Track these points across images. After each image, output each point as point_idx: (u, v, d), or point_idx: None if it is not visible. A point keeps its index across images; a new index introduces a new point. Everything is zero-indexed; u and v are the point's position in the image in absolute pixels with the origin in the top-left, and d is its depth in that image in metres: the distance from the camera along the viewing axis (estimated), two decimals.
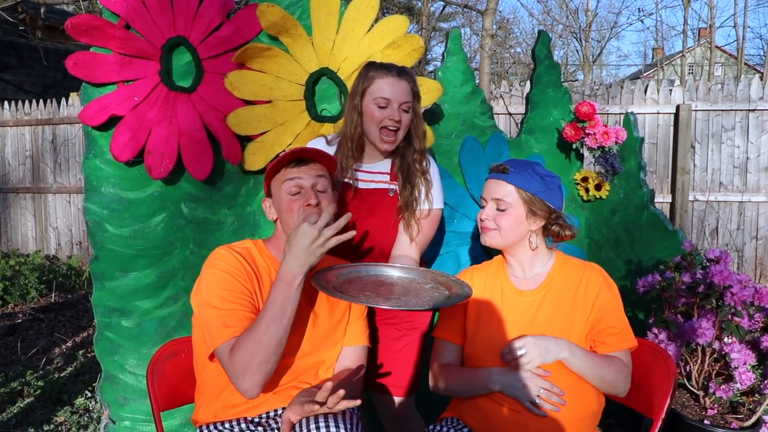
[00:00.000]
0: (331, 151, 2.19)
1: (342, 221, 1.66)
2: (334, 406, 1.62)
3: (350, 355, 1.95)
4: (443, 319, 2.02)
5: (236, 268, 1.77)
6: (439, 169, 2.26)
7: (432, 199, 2.16)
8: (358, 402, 1.64)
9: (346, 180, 2.15)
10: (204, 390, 1.88)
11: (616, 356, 1.83)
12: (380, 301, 1.71)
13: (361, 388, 1.94)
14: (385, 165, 2.18)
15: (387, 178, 2.17)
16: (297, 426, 1.68)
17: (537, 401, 1.75)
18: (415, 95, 2.12)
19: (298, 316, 1.78)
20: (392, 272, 1.95)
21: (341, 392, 1.61)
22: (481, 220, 1.91)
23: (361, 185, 2.17)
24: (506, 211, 1.86)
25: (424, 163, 2.16)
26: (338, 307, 1.94)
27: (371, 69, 2.10)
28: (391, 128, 2.06)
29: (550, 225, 1.90)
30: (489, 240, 1.91)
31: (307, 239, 1.64)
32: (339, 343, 1.93)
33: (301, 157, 1.86)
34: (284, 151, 2.49)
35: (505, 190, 1.86)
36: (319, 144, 2.25)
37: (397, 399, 2.22)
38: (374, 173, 2.18)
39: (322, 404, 1.63)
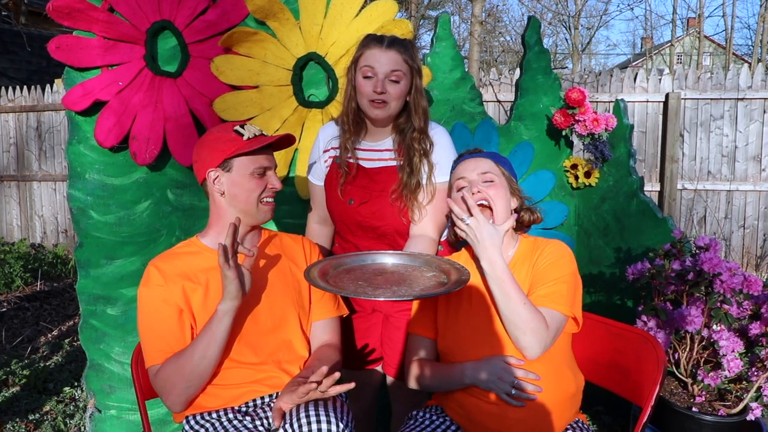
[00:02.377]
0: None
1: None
2: (327, 389, 1.62)
3: (321, 329, 1.95)
4: (416, 314, 1.99)
5: (164, 291, 1.76)
6: (455, 131, 2.19)
7: (435, 177, 2.06)
8: (352, 385, 1.64)
9: (349, 159, 2.09)
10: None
11: (540, 309, 1.74)
12: (369, 292, 1.69)
13: (339, 361, 1.91)
14: (390, 142, 2.11)
15: (394, 155, 2.09)
16: (287, 414, 1.66)
17: (513, 392, 1.73)
18: (412, 68, 2.02)
19: (254, 293, 1.82)
20: (387, 260, 1.91)
21: (336, 375, 1.62)
22: (477, 200, 1.79)
23: (368, 164, 2.10)
24: (494, 183, 1.83)
25: (426, 143, 2.06)
26: (292, 282, 1.92)
27: (364, 40, 2.05)
28: (376, 101, 1.98)
29: (520, 210, 1.89)
30: (498, 219, 1.81)
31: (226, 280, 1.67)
32: (302, 316, 1.91)
33: (276, 145, 1.89)
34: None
35: (486, 164, 1.85)
36: (329, 127, 2.21)
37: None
38: (379, 150, 2.11)
39: (317, 383, 1.62)
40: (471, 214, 1.74)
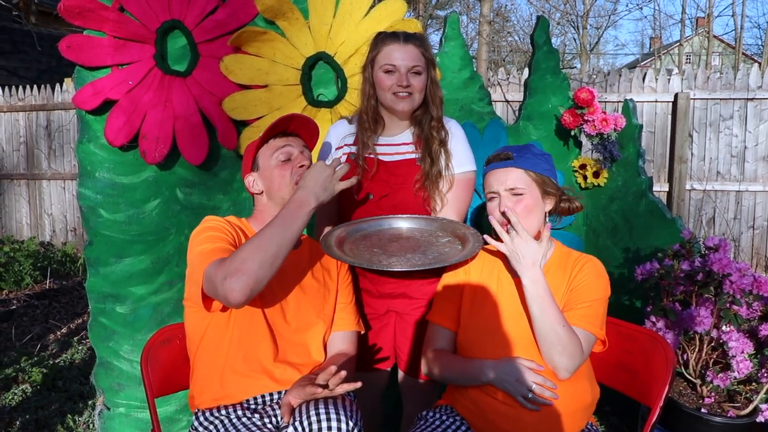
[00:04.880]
0: (353, 130, 2.17)
1: (345, 167, 1.79)
2: (335, 387, 1.63)
3: (340, 340, 1.97)
4: (438, 303, 2.00)
5: (224, 226, 1.82)
6: (464, 130, 2.22)
7: (453, 166, 2.10)
8: (359, 384, 1.65)
9: (369, 155, 2.12)
10: (197, 374, 1.87)
11: (575, 328, 1.75)
12: (383, 260, 1.77)
13: (353, 373, 1.94)
14: (407, 135, 2.14)
15: (412, 148, 2.12)
16: (296, 411, 1.67)
17: (529, 396, 1.73)
18: (428, 61, 2.07)
19: (286, 291, 1.85)
20: (402, 224, 1.97)
21: (343, 373, 1.62)
22: (503, 215, 1.79)
23: (387, 158, 2.12)
24: (523, 196, 1.81)
25: (443, 133, 2.10)
26: (321, 290, 1.94)
27: (378, 38, 2.09)
28: (401, 94, 2.04)
29: (560, 202, 1.89)
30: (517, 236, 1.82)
31: (322, 174, 1.74)
32: (323, 325, 1.92)
33: (286, 128, 1.94)
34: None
35: (515, 176, 1.82)
36: (341, 125, 2.23)
37: (422, 381, 2.22)
38: (398, 144, 2.13)
39: (323, 387, 1.63)
40: (509, 231, 1.75)
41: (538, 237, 1.85)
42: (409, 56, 2.02)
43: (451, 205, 2.10)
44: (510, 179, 1.82)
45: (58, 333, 4.70)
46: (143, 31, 2.41)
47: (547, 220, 1.89)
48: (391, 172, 2.11)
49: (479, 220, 2.74)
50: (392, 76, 2.03)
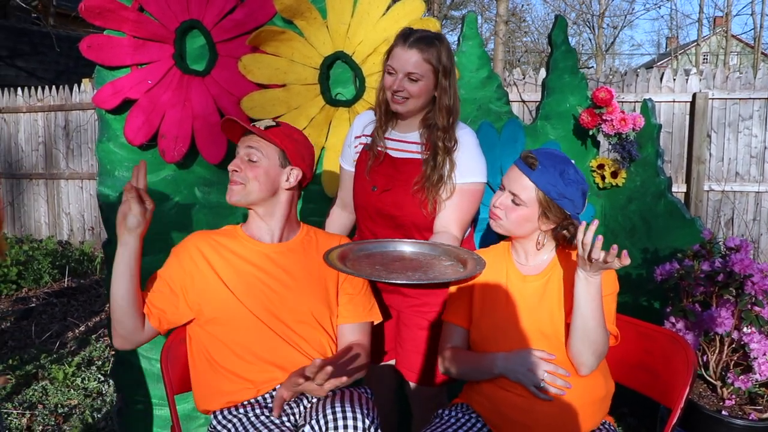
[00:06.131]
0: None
1: None
2: (323, 382, 1.61)
3: (349, 331, 1.95)
4: (451, 303, 2.01)
5: (180, 252, 1.94)
6: (482, 130, 2.19)
7: (457, 176, 2.06)
8: (344, 379, 1.63)
9: (378, 147, 2.13)
10: (198, 376, 1.92)
11: None
12: (384, 275, 1.74)
13: (364, 364, 1.92)
14: (417, 135, 2.13)
15: (420, 148, 2.11)
16: (313, 410, 1.67)
17: (541, 385, 1.74)
18: (435, 67, 2.01)
19: (281, 287, 1.86)
20: (407, 248, 1.96)
21: (328, 369, 1.60)
22: (493, 206, 1.87)
23: (395, 154, 2.13)
24: (519, 206, 1.81)
25: (450, 142, 2.06)
26: (320, 280, 1.93)
27: (396, 35, 2.06)
28: (395, 97, 2.02)
29: (559, 229, 1.83)
30: (495, 227, 1.88)
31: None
32: (328, 314, 1.92)
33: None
34: None
35: (524, 186, 1.80)
36: (366, 115, 2.24)
37: (427, 388, 2.22)
38: (407, 142, 2.13)
39: (308, 378, 1.61)
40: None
41: (521, 239, 1.87)
42: (408, 61, 1.98)
43: (450, 212, 2.07)
44: (518, 185, 1.82)
45: (77, 330, 4.74)
46: (162, 30, 2.43)
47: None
48: (397, 168, 2.11)
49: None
50: (391, 78, 2.02)
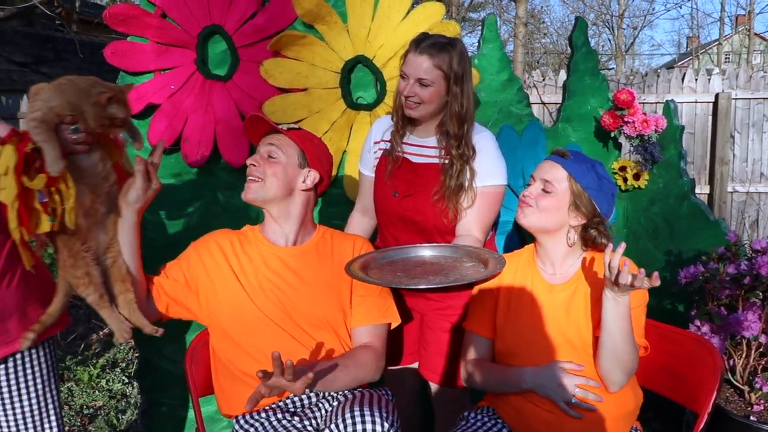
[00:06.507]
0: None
1: None
2: (293, 379, 1.56)
3: (362, 335, 1.93)
4: (473, 311, 1.99)
5: (200, 245, 1.96)
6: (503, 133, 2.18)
7: (477, 182, 2.06)
8: (311, 376, 1.58)
9: (397, 152, 2.13)
10: (219, 381, 1.93)
11: None
12: (405, 281, 1.74)
13: (378, 366, 1.90)
14: (434, 140, 2.13)
15: (437, 152, 2.11)
16: (332, 413, 1.69)
17: (572, 401, 1.71)
18: (446, 73, 1.99)
19: (295, 290, 1.86)
20: (427, 252, 1.95)
21: (310, 375, 1.57)
22: (523, 196, 1.84)
23: (414, 158, 2.13)
24: (551, 194, 1.79)
25: (464, 149, 2.05)
26: (334, 283, 1.92)
27: (412, 40, 2.06)
28: (408, 101, 2.03)
29: (589, 227, 1.81)
30: (524, 218, 1.83)
31: None
32: (341, 317, 1.91)
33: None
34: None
35: (557, 174, 1.80)
36: (385, 120, 2.25)
37: (450, 390, 2.22)
38: (425, 147, 2.13)
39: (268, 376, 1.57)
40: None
41: (549, 235, 1.83)
42: (418, 67, 1.99)
43: (475, 217, 2.07)
44: (550, 173, 1.81)
45: (101, 333, 4.79)
46: (185, 36, 2.45)
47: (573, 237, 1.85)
48: (416, 173, 2.12)
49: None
50: (403, 83, 2.03)
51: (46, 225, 1.58)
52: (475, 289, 1.98)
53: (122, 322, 1.75)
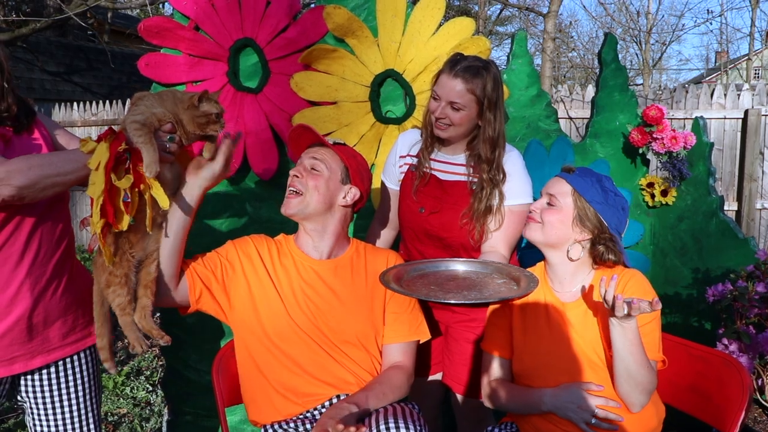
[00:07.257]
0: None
1: None
2: None
3: (393, 352, 1.93)
4: (489, 331, 1.99)
5: (240, 245, 1.95)
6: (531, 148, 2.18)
7: (505, 203, 2.08)
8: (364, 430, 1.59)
9: (425, 169, 2.15)
10: (247, 394, 1.94)
11: None
12: (440, 295, 1.75)
13: (409, 385, 1.91)
14: (463, 158, 2.15)
15: (466, 170, 2.12)
16: (366, 423, 1.69)
17: (593, 422, 1.70)
18: (480, 99, 2.01)
19: (328, 304, 1.86)
20: (459, 266, 1.97)
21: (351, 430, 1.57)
22: (530, 212, 1.88)
23: (442, 176, 2.14)
24: (554, 208, 1.81)
25: (494, 173, 2.07)
26: (366, 298, 1.92)
27: (446, 60, 2.07)
28: (439, 123, 2.05)
29: (597, 243, 1.80)
30: (529, 232, 1.86)
31: None
32: (372, 332, 1.90)
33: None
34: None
35: (561, 189, 1.82)
36: (411, 134, 2.27)
37: (473, 399, 2.21)
38: (454, 164, 2.15)
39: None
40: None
41: (554, 251, 1.84)
42: (451, 90, 2.00)
43: (502, 234, 2.09)
44: (555, 187, 1.84)
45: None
46: (217, 49, 2.50)
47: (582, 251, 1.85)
48: (444, 190, 2.13)
49: None
50: (435, 104, 2.04)
51: (126, 224, 1.62)
52: (489, 311, 1.99)
53: (138, 332, 1.77)
